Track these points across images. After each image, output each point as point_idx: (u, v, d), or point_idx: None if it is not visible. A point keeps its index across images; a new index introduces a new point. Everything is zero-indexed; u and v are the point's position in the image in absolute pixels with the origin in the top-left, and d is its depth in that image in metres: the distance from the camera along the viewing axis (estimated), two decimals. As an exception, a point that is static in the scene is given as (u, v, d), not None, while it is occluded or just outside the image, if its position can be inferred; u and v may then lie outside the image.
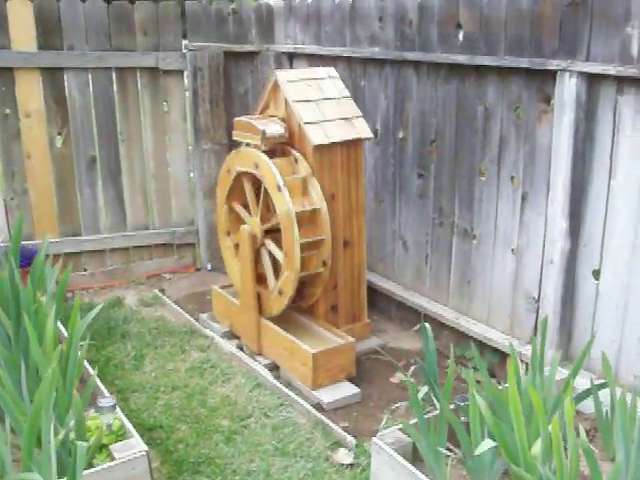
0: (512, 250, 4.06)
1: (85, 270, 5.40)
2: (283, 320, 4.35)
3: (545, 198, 3.81)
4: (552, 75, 3.63)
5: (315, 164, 4.12)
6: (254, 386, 4.07)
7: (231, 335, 4.71)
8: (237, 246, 4.58)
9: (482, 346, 4.25)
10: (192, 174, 5.67)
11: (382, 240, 4.98)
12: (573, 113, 3.51)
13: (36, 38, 4.95)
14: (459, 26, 4.09)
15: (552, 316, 3.78)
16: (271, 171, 4.03)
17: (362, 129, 4.29)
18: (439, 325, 4.54)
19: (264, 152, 4.15)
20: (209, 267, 5.71)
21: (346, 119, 4.26)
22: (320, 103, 4.25)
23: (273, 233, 4.31)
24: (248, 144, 4.32)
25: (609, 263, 3.56)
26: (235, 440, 3.60)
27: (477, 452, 2.72)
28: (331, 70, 4.46)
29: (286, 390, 3.98)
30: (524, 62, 3.70)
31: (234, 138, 4.41)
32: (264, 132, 4.13)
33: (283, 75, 4.27)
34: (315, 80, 4.35)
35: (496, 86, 3.97)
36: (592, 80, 3.47)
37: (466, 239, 4.33)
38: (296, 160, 4.17)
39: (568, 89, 3.51)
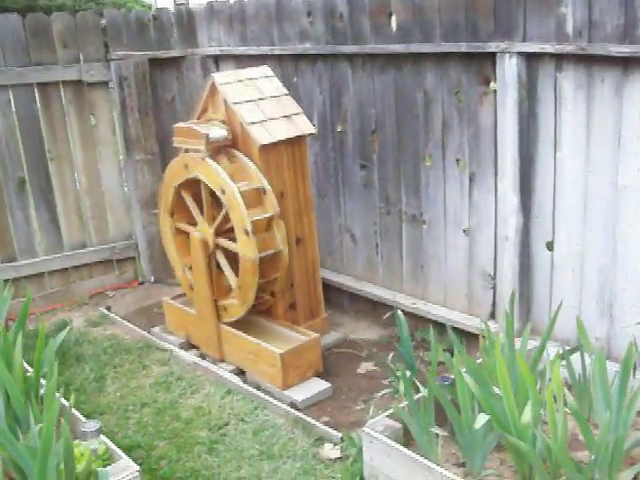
0: (464, 231, 4.16)
1: (24, 296, 5.18)
2: (242, 324, 4.31)
3: (493, 177, 3.92)
4: (491, 57, 3.74)
5: (262, 164, 4.09)
6: (224, 393, 4.01)
7: (188, 345, 4.62)
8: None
9: (442, 328, 4.34)
10: (126, 187, 5.53)
11: (329, 234, 5.00)
12: (516, 92, 3.63)
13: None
14: (391, 15, 4.16)
15: (510, 290, 3.89)
16: (234, 198, 3.97)
17: (304, 125, 4.28)
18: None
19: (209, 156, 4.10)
20: (152, 279, 5.59)
21: (287, 117, 4.25)
22: (260, 102, 4.22)
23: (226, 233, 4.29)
24: (187, 150, 4.26)
25: (561, 233, 3.70)
26: (217, 449, 3.54)
27: (476, 426, 2.77)
28: (266, 69, 4.44)
29: (258, 393, 3.95)
30: (463, 46, 3.79)
31: (175, 145, 4.33)
32: (207, 136, 4.07)
33: (220, 77, 4.22)
34: (251, 80, 4.32)
35: (434, 72, 4.05)
36: (531, 59, 3.59)
37: (415, 225, 4.41)
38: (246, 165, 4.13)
39: (509, 70, 3.62)
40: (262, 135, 4.06)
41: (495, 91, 3.79)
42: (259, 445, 3.55)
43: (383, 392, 3.60)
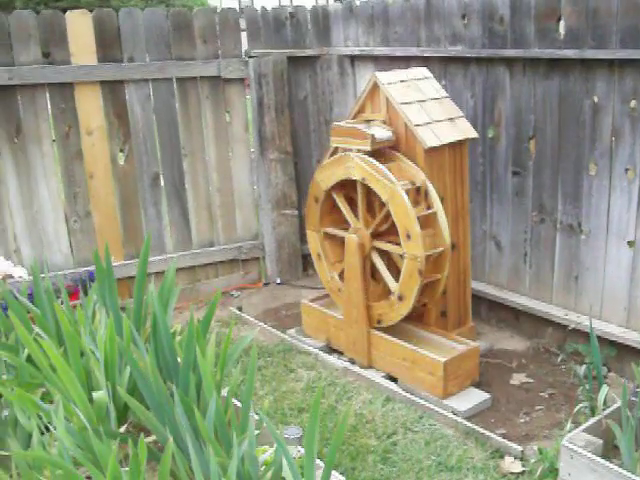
0: (628, 243, 4.04)
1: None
2: (391, 330, 4.23)
3: (669, 188, 3.82)
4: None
5: (426, 168, 4.01)
6: (384, 401, 3.92)
7: (328, 349, 4.56)
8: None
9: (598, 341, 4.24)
10: (256, 186, 5.47)
11: (472, 241, 4.89)
12: None
13: (96, 51, 4.70)
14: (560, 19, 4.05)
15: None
16: (403, 200, 3.89)
17: (467, 129, 4.20)
18: (542, 322, 4.51)
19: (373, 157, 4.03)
20: (278, 281, 5.53)
21: (451, 119, 4.17)
22: (423, 104, 4.14)
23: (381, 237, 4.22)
24: (344, 150, 4.19)
25: None
26: (392, 459, 3.45)
27: None
28: (424, 70, 4.36)
29: (420, 401, 3.86)
30: (645, 53, 3.68)
31: (333, 145, 4.27)
32: (374, 136, 4.00)
33: (383, 77, 4.14)
34: (413, 81, 4.24)
35: (606, 79, 3.92)
36: None
37: (572, 234, 4.29)
38: (406, 165, 4.05)
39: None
40: (429, 137, 3.97)
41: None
42: (434, 456, 3.46)
43: (580, 406, 3.47)
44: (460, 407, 3.85)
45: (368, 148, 4.02)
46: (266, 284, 5.59)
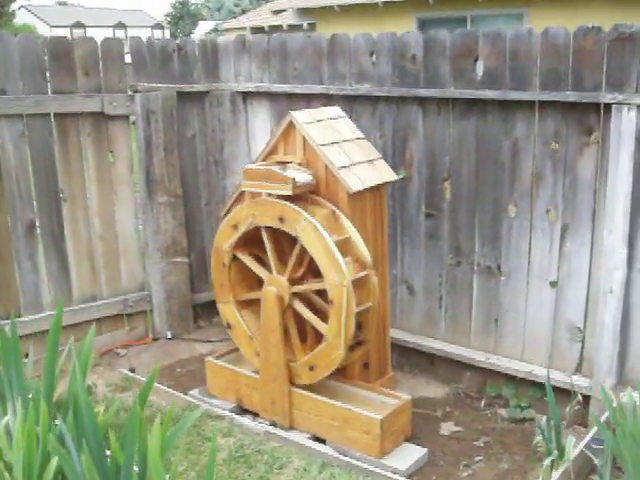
0: (550, 283, 4.02)
1: (27, 356, 4.48)
2: (314, 387, 3.92)
3: (590, 229, 3.84)
4: (595, 108, 3.68)
5: (350, 213, 3.77)
6: (320, 467, 3.59)
7: (240, 410, 4.16)
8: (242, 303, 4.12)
9: (515, 382, 4.18)
10: (143, 231, 4.97)
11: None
12: (632, 145, 3.56)
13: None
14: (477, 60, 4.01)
15: (611, 344, 3.79)
16: (318, 232, 3.61)
17: (386, 171, 4.02)
18: (459, 367, 4.41)
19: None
20: (169, 335, 5.03)
21: (370, 161, 3.98)
22: (342, 145, 3.92)
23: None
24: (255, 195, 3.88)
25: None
26: (346, 534, 3.14)
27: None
28: (337, 109, 4.15)
29: (363, 465, 3.57)
30: (571, 96, 3.69)
31: (244, 189, 3.92)
32: (295, 180, 3.70)
33: (299, 116, 3.87)
34: (329, 120, 4.01)
35: (526, 120, 3.92)
36: None
37: (491, 277, 4.23)
38: (333, 212, 3.78)
39: (627, 122, 3.55)
40: (353, 181, 3.75)
41: (599, 142, 3.73)
42: (390, 526, 3.19)
43: (550, 459, 3.30)
44: (400, 466, 3.61)
45: (289, 193, 3.71)
46: (155, 339, 5.06)
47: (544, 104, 3.84)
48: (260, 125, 5.02)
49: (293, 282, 3.89)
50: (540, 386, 4.12)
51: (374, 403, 3.87)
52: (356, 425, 3.70)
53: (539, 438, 3.33)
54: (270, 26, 15.91)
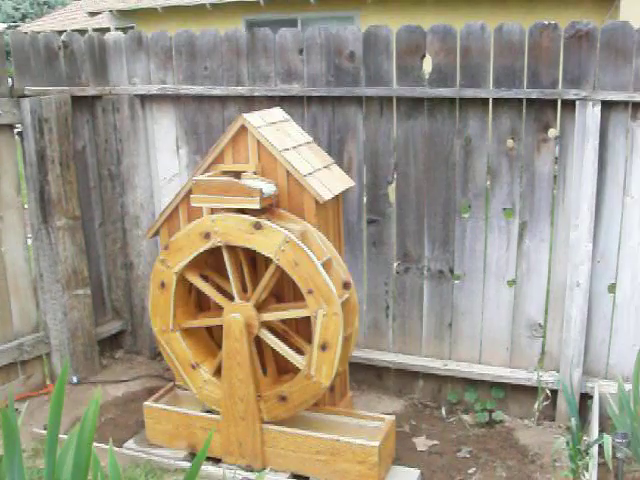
0: (508, 282, 3.96)
1: None
2: (283, 422, 3.51)
3: (548, 225, 3.83)
4: (552, 104, 3.67)
5: (317, 226, 3.41)
6: (318, 511, 3.21)
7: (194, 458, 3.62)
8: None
9: (479, 385, 4.08)
10: (36, 262, 4.16)
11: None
12: (596, 140, 3.59)
13: None
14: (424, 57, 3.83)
15: (578, 336, 3.81)
16: (304, 254, 3.20)
17: (345, 177, 3.71)
18: (410, 377, 4.22)
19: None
20: (75, 380, 4.26)
21: (326, 167, 3.63)
22: (299, 150, 3.55)
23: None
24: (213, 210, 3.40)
25: (625, 274, 3.75)
26: None
27: None
28: (281, 111, 3.75)
29: (368, 501, 3.24)
30: (533, 93, 3.63)
31: (194, 204, 3.40)
32: (262, 191, 3.27)
33: (252, 119, 3.43)
34: (280, 123, 3.61)
35: (479, 118, 3.81)
36: (604, 107, 3.59)
37: (443, 281, 4.07)
38: (306, 228, 3.37)
39: (591, 117, 3.57)
40: (322, 190, 3.39)
41: (557, 138, 3.72)
42: None
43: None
44: (401, 494, 3.34)
45: (257, 206, 3.27)
46: (59, 387, 4.28)
47: (499, 101, 3.76)
48: (163, 133, 4.43)
49: (259, 308, 3.45)
50: (502, 386, 4.06)
51: (352, 429, 3.55)
52: (347, 456, 3.36)
53: (561, 439, 3.22)
54: (82, 30, 14.67)
